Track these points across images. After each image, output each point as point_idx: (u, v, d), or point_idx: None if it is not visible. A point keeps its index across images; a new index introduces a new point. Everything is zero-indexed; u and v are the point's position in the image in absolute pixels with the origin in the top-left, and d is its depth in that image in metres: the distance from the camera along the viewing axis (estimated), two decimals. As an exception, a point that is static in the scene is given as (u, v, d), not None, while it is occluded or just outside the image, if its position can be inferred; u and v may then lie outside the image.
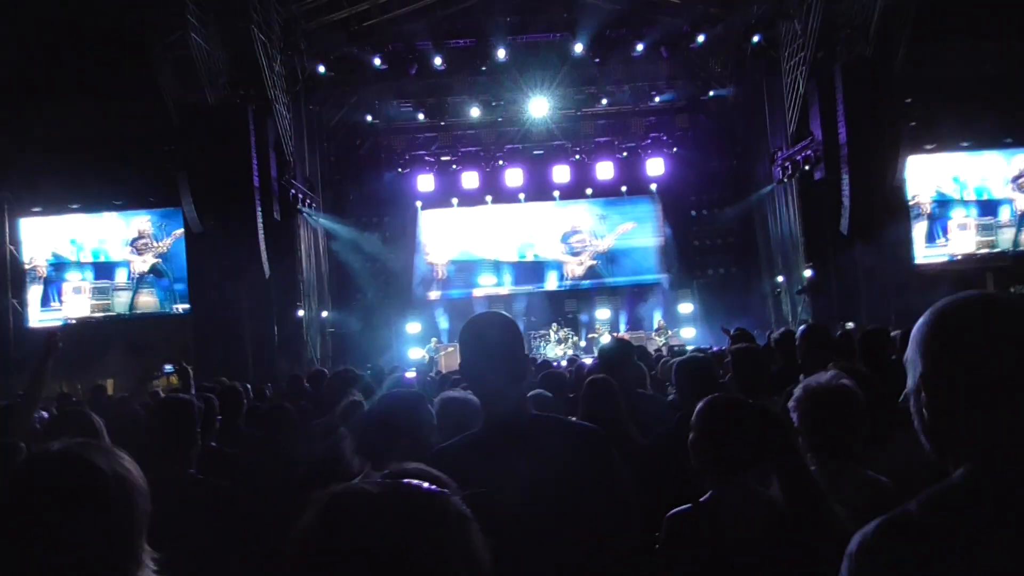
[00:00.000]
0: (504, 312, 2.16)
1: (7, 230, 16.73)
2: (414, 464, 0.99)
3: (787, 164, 17.14)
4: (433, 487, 0.95)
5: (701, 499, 2.25)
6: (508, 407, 2.02)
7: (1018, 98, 16.77)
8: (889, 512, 1.15)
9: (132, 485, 1.32)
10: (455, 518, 0.93)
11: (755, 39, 17.37)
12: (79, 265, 17.11)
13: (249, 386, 7.74)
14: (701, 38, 17.93)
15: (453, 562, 0.90)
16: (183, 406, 3.02)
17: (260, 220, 14.91)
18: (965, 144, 17.58)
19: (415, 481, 0.96)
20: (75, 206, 16.97)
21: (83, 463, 1.29)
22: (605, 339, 16.85)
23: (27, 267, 16.93)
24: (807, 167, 16.34)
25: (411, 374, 7.94)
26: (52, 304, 16.92)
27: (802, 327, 5.03)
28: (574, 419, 2.12)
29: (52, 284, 16.99)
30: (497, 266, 21.05)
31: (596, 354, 4.63)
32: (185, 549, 2.43)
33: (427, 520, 0.91)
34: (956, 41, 16.17)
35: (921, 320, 1.19)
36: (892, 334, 5.49)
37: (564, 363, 10.87)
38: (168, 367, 8.58)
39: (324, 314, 18.30)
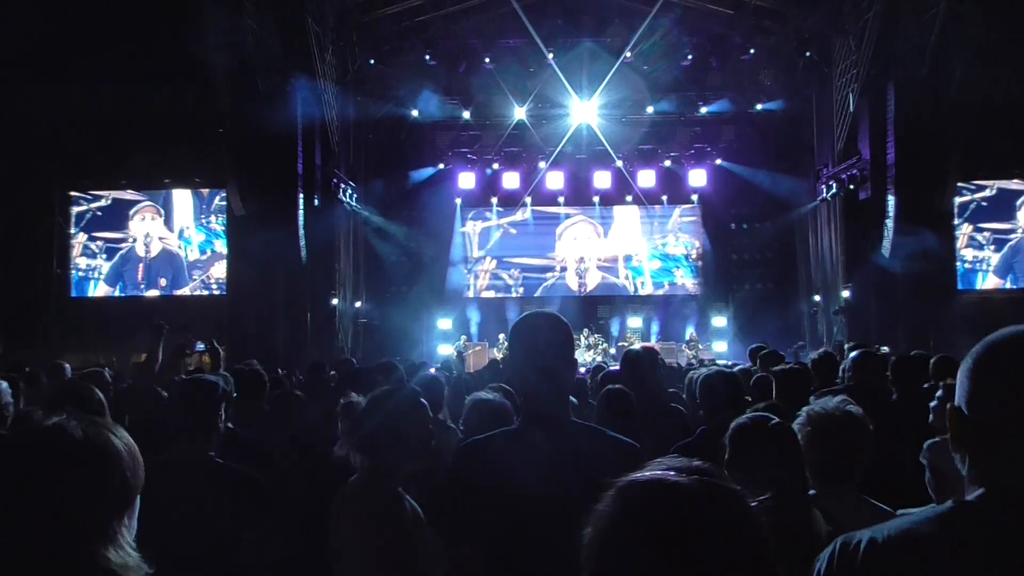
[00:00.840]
0: (554, 312, 2.13)
1: (56, 203, 17.14)
2: (686, 460, 1.02)
3: (832, 182, 16.89)
4: (739, 488, 0.97)
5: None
6: (549, 408, 2.01)
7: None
8: (898, 521, 1.20)
9: (112, 457, 1.25)
10: (759, 520, 0.96)
11: (807, 54, 17.15)
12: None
13: (281, 371, 7.86)
14: (752, 51, 17.74)
15: (751, 562, 0.93)
16: (207, 387, 2.96)
17: (301, 207, 15.11)
18: (1018, 172, 17.13)
19: (721, 480, 0.97)
20: (123, 182, 17.32)
21: (51, 432, 1.23)
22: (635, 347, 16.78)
23: (76, 242, 17.29)
24: (852, 186, 16.09)
25: (434, 371, 7.97)
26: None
27: (854, 353, 4.94)
28: (612, 433, 2.09)
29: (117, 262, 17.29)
30: (527, 270, 21.05)
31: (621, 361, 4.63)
32: (201, 532, 2.48)
33: (737, 521, 0.94)
34: (1015, 68, 15.77)
35: (980, 344, 1.23)
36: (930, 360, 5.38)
37: (582, 369, 10.83)
38: (200, 345, 8.73)
39: (357, 304, 18.47)
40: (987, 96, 15.56)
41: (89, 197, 17.35)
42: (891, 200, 14.94)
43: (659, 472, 0.96)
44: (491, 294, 20.98)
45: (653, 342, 18.77)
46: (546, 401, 2.01)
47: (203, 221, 17.32)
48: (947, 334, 13.51)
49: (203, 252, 17.26)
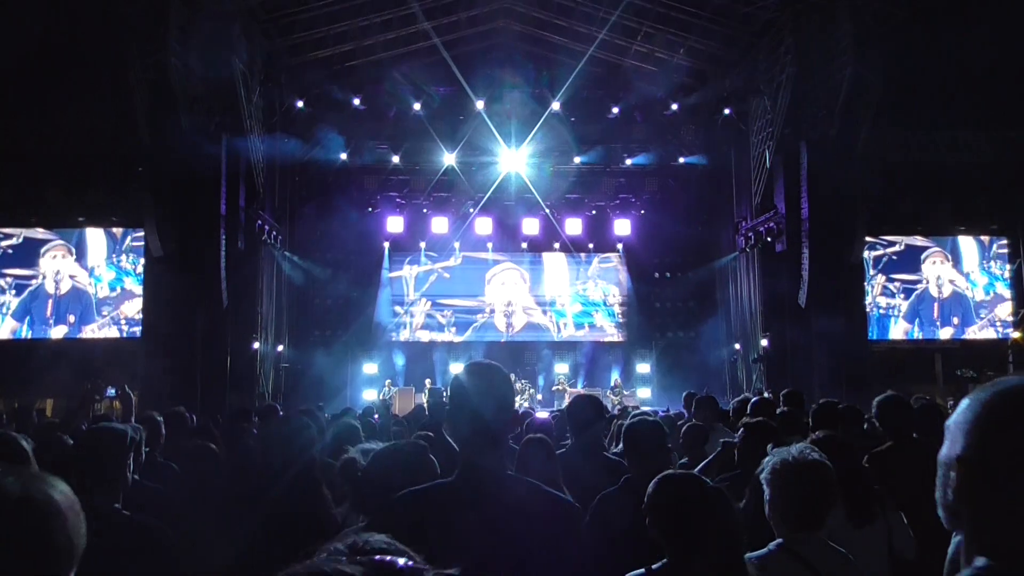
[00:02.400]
0: (498, 364, 2.13)
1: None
2: (379, 537, 0.94)
3: (750, 234, 17.52)
4: (410, 564, 0.90)
5: (655, 566, 2.20)
6: (485, 461, 1.99)
7: (972, 189, 17.47)
8: None
9: (54, 514, 1.14)
10: None
11: (726, 111, 17.93)
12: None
13: (194, 416, 7.56)
14: (675, 106, 18.42)
15: None
16: (114, 436, 2.80)
17: (223, 248, 14.74)
18: (920, 229, 18.15)
19: (390, 559, 0.90)
20: (33, 219, 16.57)
21: None
22: (569, 393, 16.91)
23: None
24: (769, 239, 16.72)
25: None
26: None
27: (815, 406, 4.98)
28: (550, 489, 2.08)
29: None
30: (459, 312, 21.01)
31: (565, 409, 4.61)
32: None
33: None
34: (917, 129, 16.87)
35: (976, 395, 1.14)
36: (839, 407, 5.57)
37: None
38: (111, 391, 8.33)
39: (280, 348, 18.02)
40: (892, 156, 16.56)
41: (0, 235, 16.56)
42: (805, 252, 15.59)
43: (325, 562, 0.87)
44: (426, 333, 20.79)
45: (579, 388, 18.90)
46: (483, 455, 2.00)
47: (114, 260, 16.69)
48: (859, 381, 14.06)
49: (112, 289, 16.60)
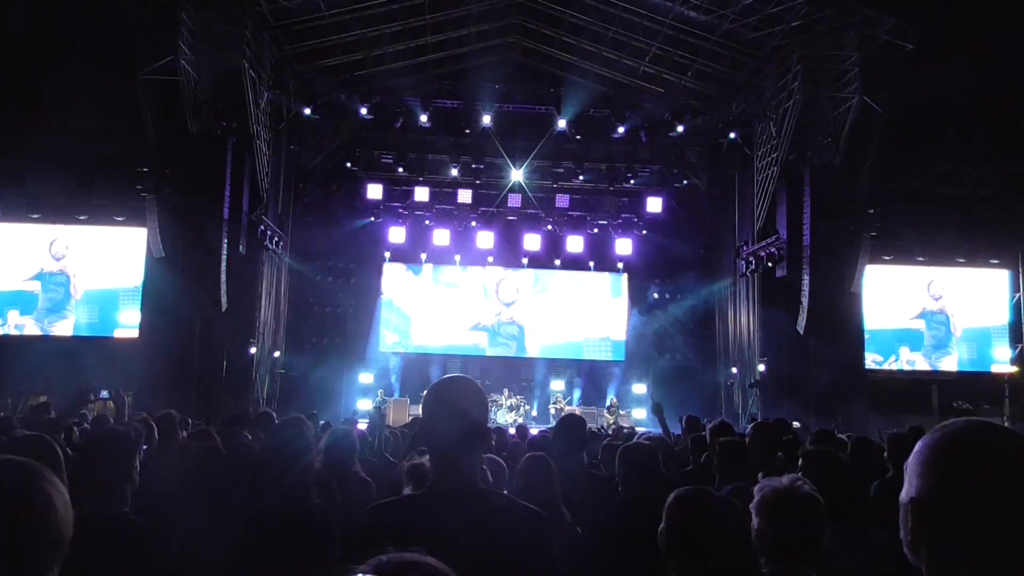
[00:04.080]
0: (470, 378, 2.14)
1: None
2: (412, 553, 0.98)
3: (751, 259, 17.54)
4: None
5: None
6: (456, 475, 2.01)
7: (972, 223, 17.53)
8: None
9: (49, 505, 1.22)
10: None
11: (731, 135, 18.00)
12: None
13: (189, 420, 7.55)
14: (680, 128, 18.51)
15: None
16: (117, 438, 2.79)
17: (225, 252, 14.75)
18: (921, 259, 18.20)
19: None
20: (35, 216, 16.59)
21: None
22: (566, 411, 16.90)
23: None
24: (770, 264, 16.74)
25: (362, 426, 7.79)
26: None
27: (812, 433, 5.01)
28: (520, 501, 2.10)
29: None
30: (459, 326, 20.97)
31: (553, 425, 4.65)
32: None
33: None
34: (920, 160, 16.94)
35: (926, 439, 1.16)
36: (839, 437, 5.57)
37: (513, 431, 10.79)
38: (105, 392, 8.31)
39: (276, 354, 17.99)
40: (894, 186, 16.63)
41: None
42: (806, 279, 15.61)
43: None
44: (423, 344, 20.71)
45: (575, 406, 18.86)
46: (454, 470, 2.01)
47: (114, 259, 16.68)
48: (854, 409, 14.05)
49: (110, 289, 16.61)
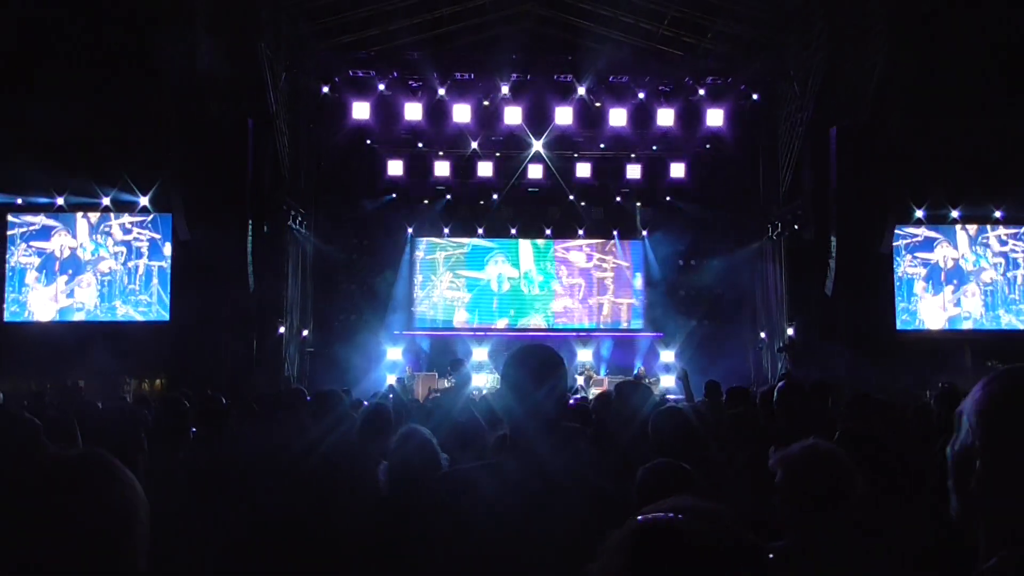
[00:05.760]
0: (552, 348, 2.11)
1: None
2: (690, 499, 1.00)
3: (777, 221, 17.33)
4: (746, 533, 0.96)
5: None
6: (536, 443, 1.99)
7: (1005, 176, 17.11)
8: None
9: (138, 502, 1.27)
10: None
11: (754, 96, 17.70)
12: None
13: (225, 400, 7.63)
14: (702, 91, 18.21)
15: None
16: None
17: (250, 233, 14.87)
18: (954, 217, 17.85)
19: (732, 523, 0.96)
20: (60, 203, 16.76)
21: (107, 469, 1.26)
22: (595, 380, 17.03)
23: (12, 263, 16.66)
24: (796, 226, 16.52)
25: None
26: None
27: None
28: (600, 482, 2.08)
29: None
30: (484, 300, 21.00)
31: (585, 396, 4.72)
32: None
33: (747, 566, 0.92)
34: (949, 116, 16.52)
35: (992, 384, 1.10)
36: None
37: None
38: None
39: (305, 333, 18.16)
40: (925, 143, 16.25)
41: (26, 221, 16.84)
42: (833, 240, 15.39)
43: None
44: (441, 323, 20.78)
45: (602, 376, 18.86)
46: (534, 436, 1.99)
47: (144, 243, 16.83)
48: (888, 371, 13.90)
49: (140, 271, 16.78)
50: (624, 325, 21.18)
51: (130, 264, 16.79)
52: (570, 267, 21.28)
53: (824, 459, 2.30)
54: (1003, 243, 18.00)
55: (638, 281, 21.31)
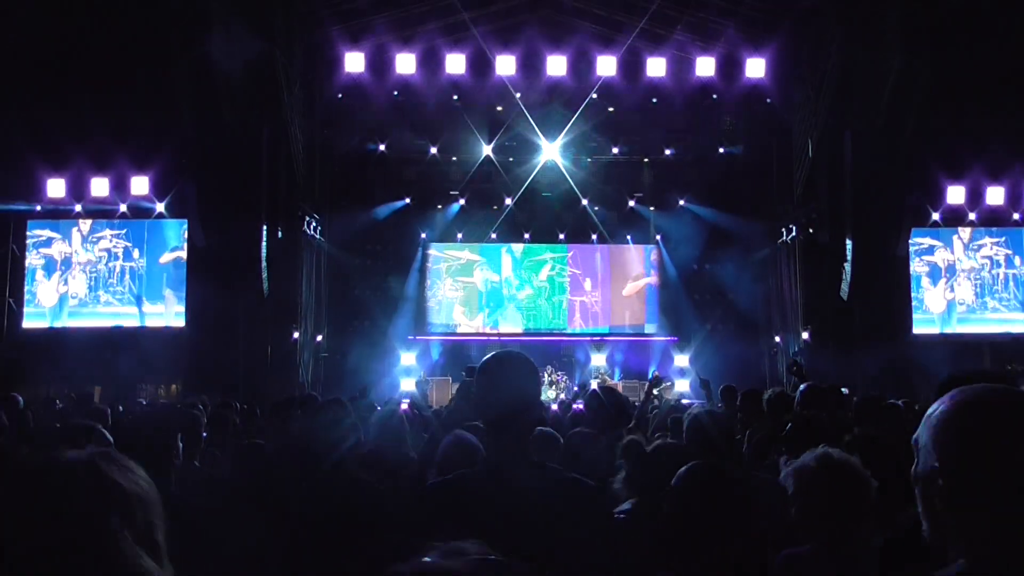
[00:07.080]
0: (522, 353, 2.12)
1: (11, 228, 16.74)
2: (471, 542, 0.99)
3: (791, 225, 17.24)
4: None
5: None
6: (505, 450, 2.00)
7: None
8: None
9: (140, 499, 1.27)
10: None
11: (768, 100, 17.61)
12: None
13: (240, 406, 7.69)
14: (715, 95, 18.15)
15: None
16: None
17: (264, 239, 14.96)
18: (971, 220, 17.68)
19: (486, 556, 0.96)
20: (77, 208, 16.96)
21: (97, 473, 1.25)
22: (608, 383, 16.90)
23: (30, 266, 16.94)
24: (811, 230, 16.44)
25: (404, 406, 7.84)
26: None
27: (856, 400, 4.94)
28: (574, 475, 2.08)
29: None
30: (497, 303, 21.02)
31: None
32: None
33: None
34: (966, 118, 16.39)
35: (940, 406, 1.15)
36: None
37: (555, 406, 10.82)
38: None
39: (319, 338, 18.23)
40: (939, 147, 16.12)
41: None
42: (849, 244, 15.29)
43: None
44: (453, 329, 20.79)
45: (616, 380, 18.82)
46: (505, 443, 2.01)
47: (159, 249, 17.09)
48: (903, 376, 13.79)
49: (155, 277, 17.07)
50: (639, 330, 21.13)
51: (110, 264, 17.23)
52: (585, 271, 21.26)
53: (837, 469, 2.30)
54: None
55: (653, 286, 21.25)
